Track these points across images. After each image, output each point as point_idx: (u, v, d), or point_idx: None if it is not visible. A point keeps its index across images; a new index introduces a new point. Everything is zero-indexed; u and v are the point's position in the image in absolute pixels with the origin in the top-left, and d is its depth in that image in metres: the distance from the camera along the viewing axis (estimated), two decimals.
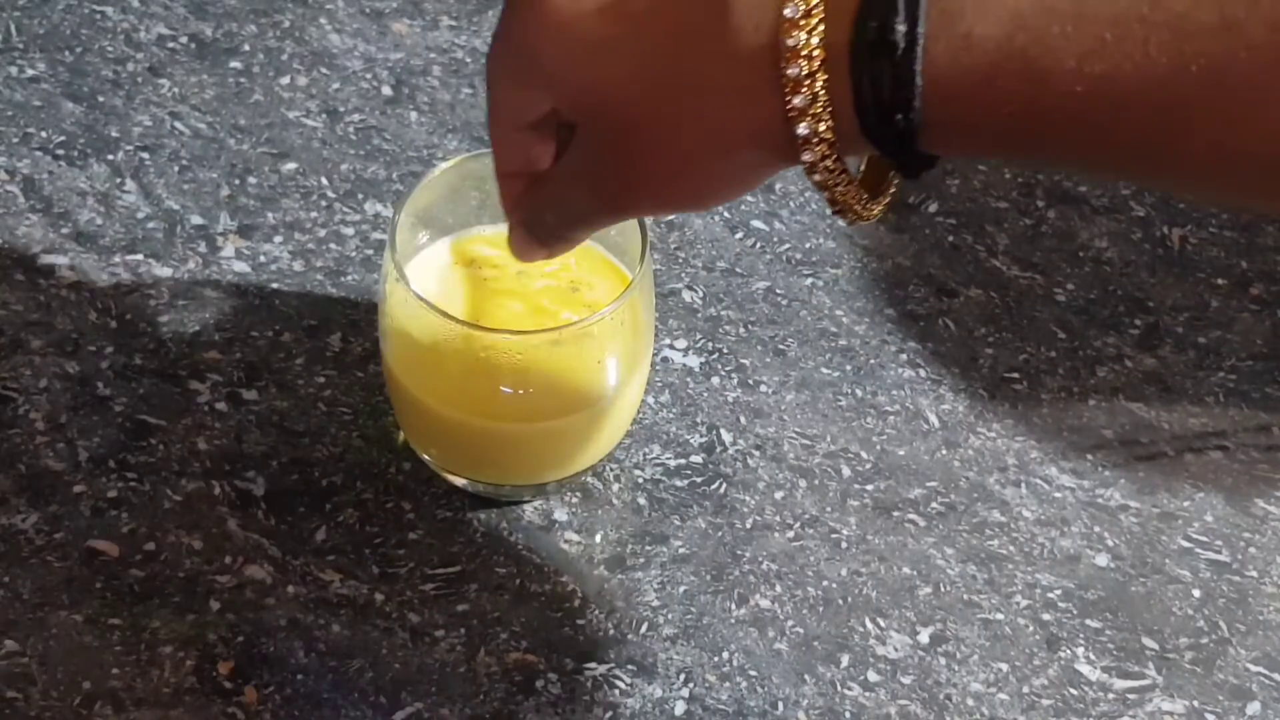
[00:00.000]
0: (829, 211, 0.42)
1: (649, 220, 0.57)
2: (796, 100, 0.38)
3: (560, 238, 0.49)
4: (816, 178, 0.40)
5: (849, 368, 0.65)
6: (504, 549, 0.59)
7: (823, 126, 0.38)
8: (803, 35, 0.37)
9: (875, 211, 0.42)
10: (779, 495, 0.61)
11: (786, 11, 0.37)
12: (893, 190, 0.43)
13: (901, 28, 0.36)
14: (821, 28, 0.37)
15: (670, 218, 0.69)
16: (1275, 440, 0.64)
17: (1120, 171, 0.41)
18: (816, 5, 0.37)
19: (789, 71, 0.37)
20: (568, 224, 0.48)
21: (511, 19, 0.43)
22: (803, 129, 0.38)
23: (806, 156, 0.39)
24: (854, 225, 0.43)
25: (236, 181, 0.69)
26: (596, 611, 0.57)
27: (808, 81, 0.37)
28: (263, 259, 0.66)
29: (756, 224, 0.70)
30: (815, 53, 0.37)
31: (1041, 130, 0.37)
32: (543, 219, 0.48)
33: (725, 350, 0.65)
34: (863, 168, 0.43)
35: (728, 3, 0.38)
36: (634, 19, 0.40)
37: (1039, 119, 0.36)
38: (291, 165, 0.70)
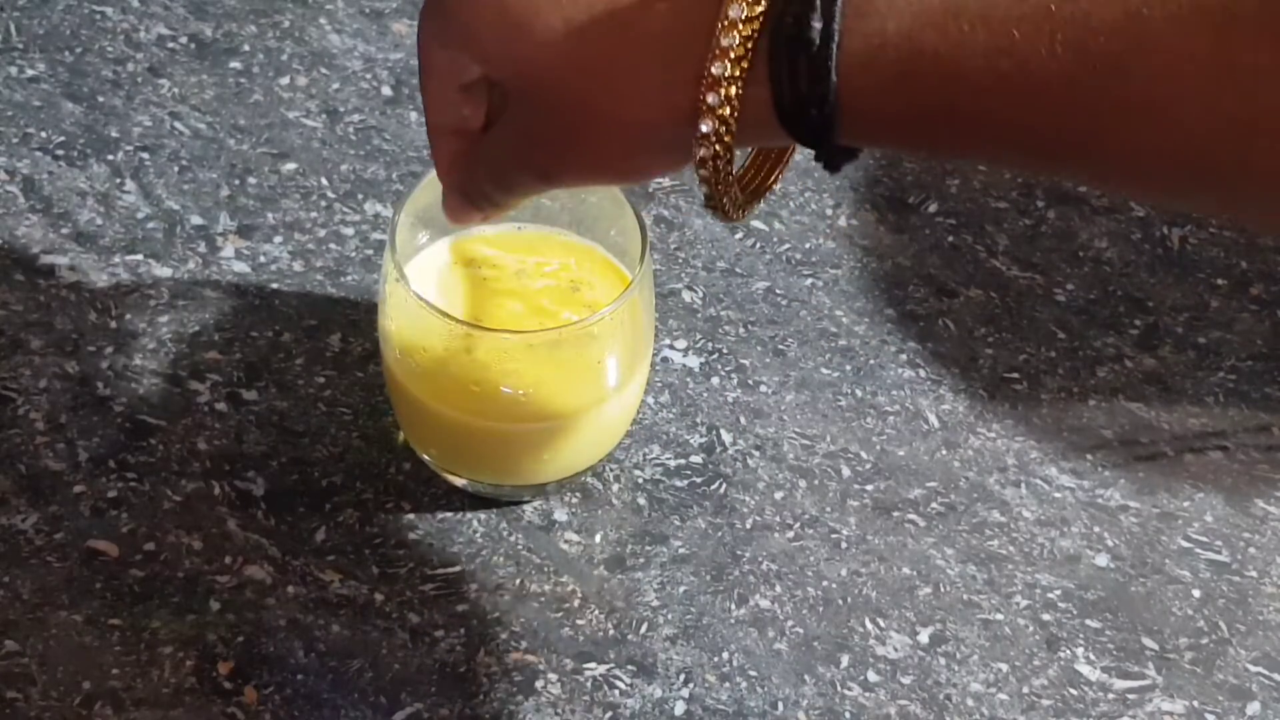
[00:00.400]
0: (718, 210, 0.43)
1: (648, 220, 0.57)
2: (710, 99, 0.38)
3: (495, 203, 0.50)
4: (703, 172, 0.40)
5: (849, 368, 0.65)
6: (504, 549, 0.59)
7: (723, 129, 0.39)
8: (736, 38, 0.37)
9: (745, 214, 0.43)
10: (779, 495, 0.61)
11: (731, 12, 0.37)
12: (766, 195, 0.45)
13: (817, 25, 0.36)
14: (755, 31, 0.37)
15: (670, 217, 0.69)
16: (1275, 440, 0.64)
17: (1041, 167, 0.41)
18: (762, 10, 0.37)
19: (713, 69, 0.38)
20: (502, 190, 0.48)
21: None
22: (705, 126, 0.39)
23: (701, 152, 0.40)
24: (726, 222, 0.44)
25: (236, 181, 0.69)
26: (596, 611, 0.57)
27: (725, 83, 0.38)
28: (263, 259, 0.66)
29: (756, 224, 0.70)
30: (743, 53, 0.38)
31: (955, 125, 0.37)
32: (479, 185, 0.49)
33: (725, 350, 0.65)
34: (746, 164, 0.44)
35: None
36: (567, 2, 0.40)
37: (952, 114, 0.37)
38: (291, 165, 0.70)
